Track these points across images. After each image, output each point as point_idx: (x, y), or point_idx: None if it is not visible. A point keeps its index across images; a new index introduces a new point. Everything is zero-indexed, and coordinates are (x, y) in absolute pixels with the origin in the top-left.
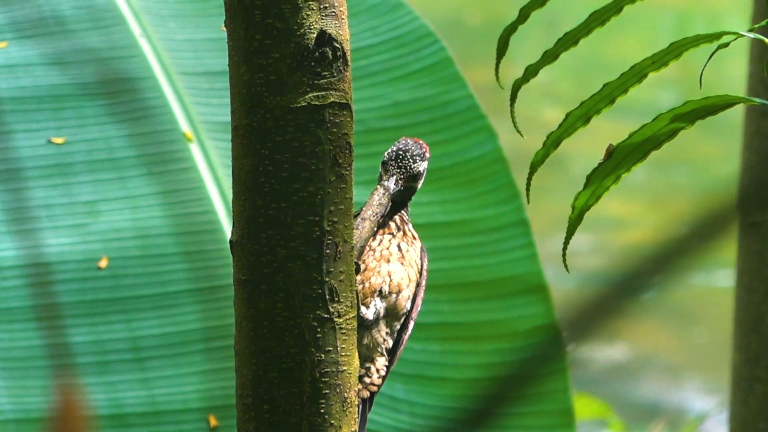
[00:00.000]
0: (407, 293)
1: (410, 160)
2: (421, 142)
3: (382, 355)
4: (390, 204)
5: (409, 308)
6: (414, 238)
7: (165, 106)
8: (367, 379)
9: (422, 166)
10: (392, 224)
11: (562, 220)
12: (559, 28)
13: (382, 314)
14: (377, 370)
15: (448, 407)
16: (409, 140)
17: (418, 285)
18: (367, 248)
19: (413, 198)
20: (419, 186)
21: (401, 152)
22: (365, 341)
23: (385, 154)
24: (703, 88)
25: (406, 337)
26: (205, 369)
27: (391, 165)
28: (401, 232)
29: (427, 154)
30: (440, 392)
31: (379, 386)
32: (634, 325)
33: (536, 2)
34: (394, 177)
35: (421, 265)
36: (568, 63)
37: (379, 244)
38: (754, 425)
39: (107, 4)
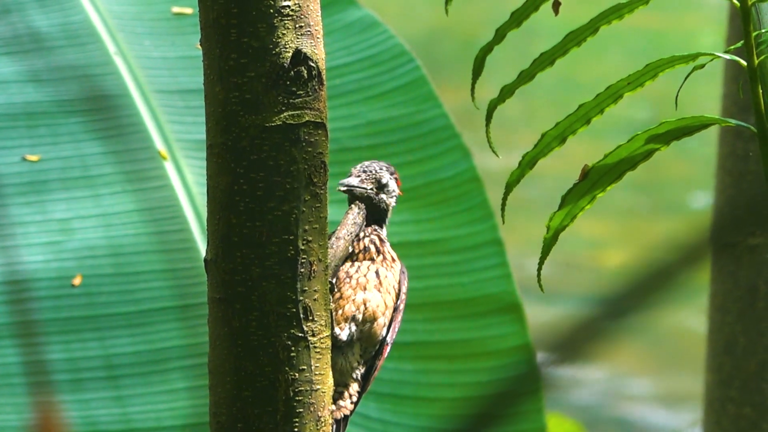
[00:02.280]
0: (383, 321)
1: (375, 167)
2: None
3: (355, 381)
4: (364, 223)
5: (384, 334)
6: (393, 260)
7: (140, 123)
8: (341, 402)
9: (387, 177)
10: (372, 247)
11: (536, 240)
12: (535, 48)
13: (356, 337)
14: (350, 396)
15: (422, 427)
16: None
17: (395, 310)
18: (344, 275)
19: (390, 210)
20: (389, 203)
21: (366, 162)
22: (339, 366)
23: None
24: (677, 109)
25: (380, 363)
26: (179, 387)
27: (354, 169)
28: (381, 256)
29: (396, 174)
30: (414, 411)
31: (351, 411)
32: (607, 345)
33: (512, 22)
34: (359, 178)
35: (399, 289)
36: (543, 83)
37: (356, 271)
38: None
39: (82, 21)
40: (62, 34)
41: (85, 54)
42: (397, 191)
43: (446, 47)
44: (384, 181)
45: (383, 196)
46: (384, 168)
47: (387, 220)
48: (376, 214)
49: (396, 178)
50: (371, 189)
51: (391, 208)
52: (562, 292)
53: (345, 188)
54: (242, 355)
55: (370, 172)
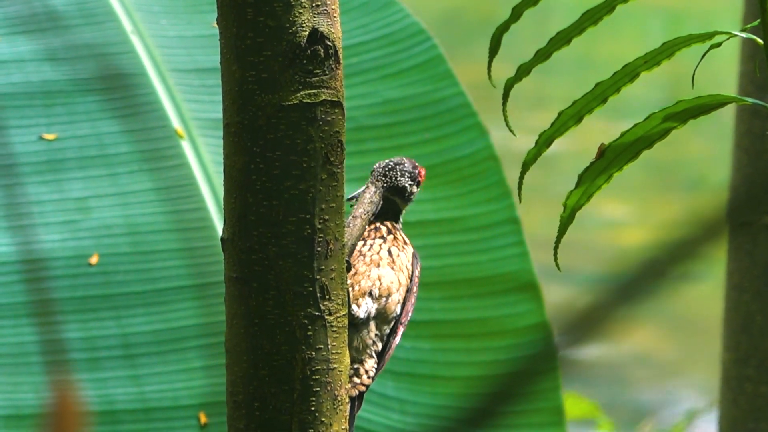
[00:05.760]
0: (397, 297)
1: (397, 173)
2: (416, 163)
3: (371, 357)
4: (381, 202)
5: (399, 312)
6: (405, 243)
7: (156, 102)
8: (356, 379)
9: (408, 182)
10: (383, 229)
11: (553, 219)
12: (552, 27)
13: (372, 314)
14: (366, 372)
15: (440, 405)
16: (405, 159)
17: (408, 291)
18: (357, 253)
19: (405, 209)
20: (404, 204)
21: (391, 164)
22: (354, 343)
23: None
24: (693, 88)
25: (394, 342)
26: (195, 366)
27: (377, 172)
28: (392, 236)
29: (420, 178)
30: (431, 390)
31: (367, 386)
32: (623, 324)
33: (529, 1)
34: (375, 185)
35: (412, 271)
36: (560, 62)
37: (369, 249)
38: (743, 425)
39: (99, 0)
40: (79, 13)
41: (101, 33)
42: (417, 189)
43: (463, 25)
44: (401, 185)
45: (397, 198)
46: (405, 172)
47: (401, 216)
48: (391, 212)
49: (419, 181)
50: (388, 197)
51: (407, 206)
52: (579, 271)
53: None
54: (259, 334)
55: (391, 179)
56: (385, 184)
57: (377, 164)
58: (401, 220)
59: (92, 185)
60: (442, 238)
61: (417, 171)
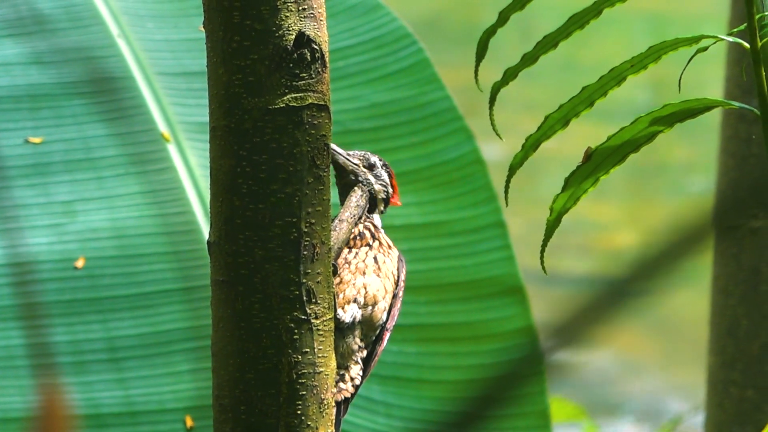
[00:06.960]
0: (383, 305)
1: (363, 152)
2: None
3: (356, 363)
4: (368, 205)
5: (385, 319)
6: (390, 247)
7: (143, 106)
8: (342, 385)
9: (375, 159)
10: (367, 234)
11: (540, 223)
12: (538, 31)
13: (358, 319)
14: (351, 378)
15: (425, 409)
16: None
17: (394, 296)
18: (343, 261)
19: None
20: (377, 189)
21: (353, 151)
22: (340, 350)
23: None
24: (680, 92)
25: (380, 349)
26: (182, 370)
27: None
28: (377, 242)
29: (390, 170)
30: (417, 394)
31: (352, 394)
32: (610, 328)
33: (516, 5)
34: (362, 188)
35: (398, 276)
36: (546, 66)
37: (354, 257)
38: (729, 428)
39: (85, 3)
40: (65, 16)
41: (88, 36)
42: (390, 188)
43: (448, 30)
44: (372, 161)
45: (371, 178)
46: (375, 155)
47: (379, 209)
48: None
49: (390, 173)
50: (359, 165)
51: (381, 195)
52: (566, 275)
53: (334, 152)
54: (245, 337)
55: (359, 153)
56: (359, 159)
57: (345, 162)
58: (379, 216)
59: (78, 189)
60: (428, 242)
61: (385, 162)
